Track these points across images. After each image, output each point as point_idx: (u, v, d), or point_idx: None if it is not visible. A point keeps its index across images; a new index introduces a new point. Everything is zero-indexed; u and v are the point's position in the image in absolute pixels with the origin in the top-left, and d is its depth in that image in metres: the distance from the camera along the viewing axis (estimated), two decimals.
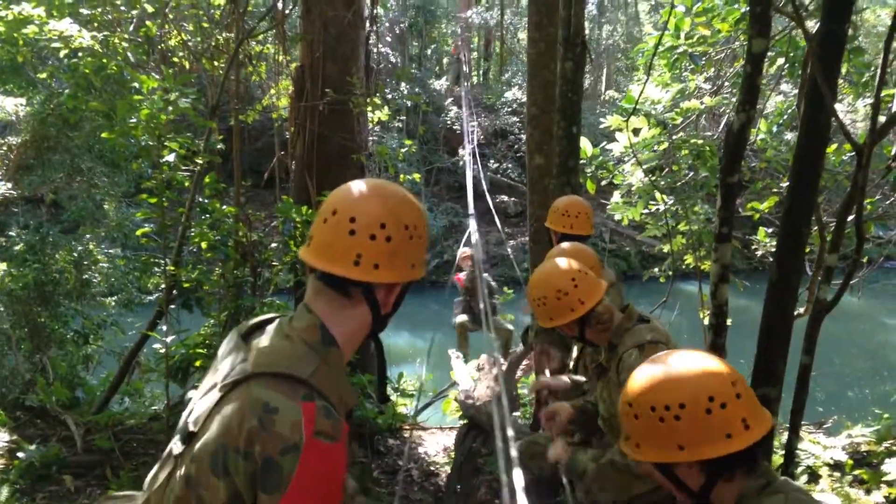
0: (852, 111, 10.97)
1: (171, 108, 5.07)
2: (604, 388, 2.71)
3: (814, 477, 5.08)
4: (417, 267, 1.49)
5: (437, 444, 6.66)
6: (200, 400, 1.45)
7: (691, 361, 1.54)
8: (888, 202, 6.68)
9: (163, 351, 5.22)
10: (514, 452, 2.32)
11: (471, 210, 6.84)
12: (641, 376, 1.57)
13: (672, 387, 1.50)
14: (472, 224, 6.40)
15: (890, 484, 4.81)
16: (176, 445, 1.43)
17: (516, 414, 6.72)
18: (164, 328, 5.30)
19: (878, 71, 3.36)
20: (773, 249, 6.68)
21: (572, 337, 2.80)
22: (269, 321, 1.52)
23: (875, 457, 5.25)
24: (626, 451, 1.61)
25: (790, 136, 6.99)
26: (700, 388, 1.48)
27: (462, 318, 8.91)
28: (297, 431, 1.26)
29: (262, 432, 1.26)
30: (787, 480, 1.56)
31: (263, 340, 1.45)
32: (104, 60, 5.80)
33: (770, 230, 6.97)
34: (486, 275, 6.01)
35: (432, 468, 6.04)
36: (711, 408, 1.45)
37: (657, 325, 2.68)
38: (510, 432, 2.50)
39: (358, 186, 1.46)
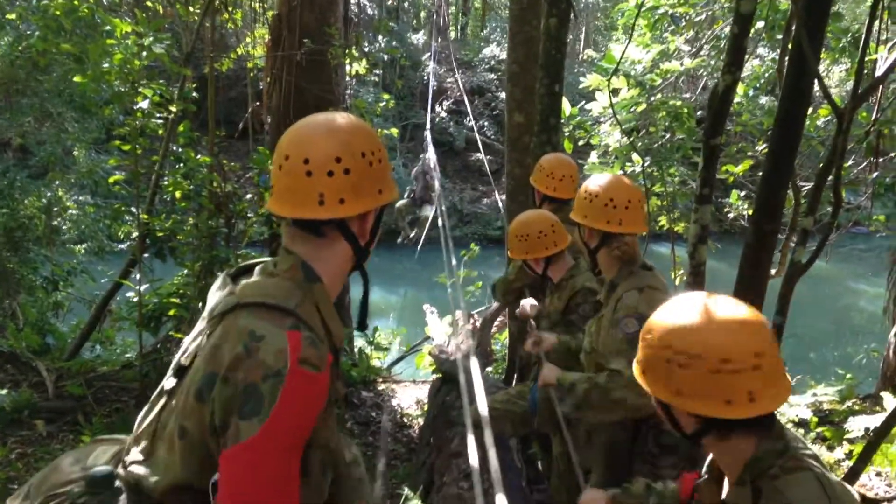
0: (828, 76, 11.03)
1: (144, 53, 4.96)
2: (594, 323, 2.78)
3: None
4: (386, 191, 1.49)
5: (410, 396, 6.73)
6: (192, 338, 1.47)
7: (728, 315, 1.47)
8: (859, 168, 6.74)
9: (136, 300, 5.18)
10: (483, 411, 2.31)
11: (428, 124, 8.78)
12: (672, 310, 1.53)
13: (692, 335, 1.46)
14: (428, 136, 8.12)
15: (851, 441, 4.96)
16: (168, 381, 1.44)
17: (489, 369, 6.82)
18: (138, 277, 5.25)
19: (862, 35, 3.37)
20: (746, 212, 6.78)
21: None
22: (258, 264, 1.53)
23: (837, 415, 5.40)
24: (633, 371, 1.60)
25: (765, 99, 7.00)
26: (717, 347, 1.42)
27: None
28: (282, 359, 1.26)
29: (246, 359, 1.27)
30: (800, 448, 1.49)
31: (250, 279, 1.47)
32: (75, 2, 5.63)
33: (743, 193, 7.03)
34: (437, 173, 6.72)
35: (405, 420, 6.11)
36: (721, 369, 1.41)
37: (659, 275, 2.77)
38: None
39: (305, 126, 1.46)
